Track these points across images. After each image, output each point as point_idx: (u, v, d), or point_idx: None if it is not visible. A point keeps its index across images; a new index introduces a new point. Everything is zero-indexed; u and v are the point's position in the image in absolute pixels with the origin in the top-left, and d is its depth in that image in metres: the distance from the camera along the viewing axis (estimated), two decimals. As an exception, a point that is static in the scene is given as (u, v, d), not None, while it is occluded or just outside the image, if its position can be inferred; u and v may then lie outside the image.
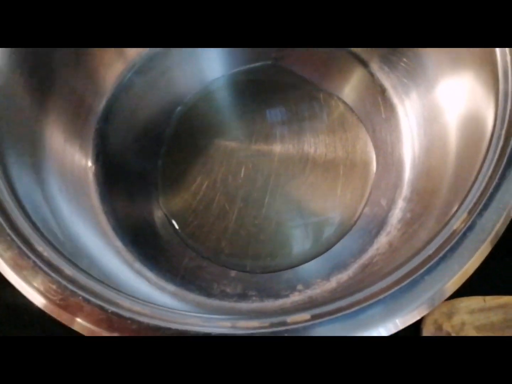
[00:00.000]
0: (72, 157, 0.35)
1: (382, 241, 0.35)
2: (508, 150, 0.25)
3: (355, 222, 0.36)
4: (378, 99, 0.39)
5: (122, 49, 0.38)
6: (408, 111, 0.38)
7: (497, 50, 0.27)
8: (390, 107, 0.39)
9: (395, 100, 0.38)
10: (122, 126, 0.38)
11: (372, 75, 0.39)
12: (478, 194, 0.25)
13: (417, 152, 0.37)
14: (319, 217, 0.36)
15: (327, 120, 0.39)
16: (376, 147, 0.38)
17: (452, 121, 0.33)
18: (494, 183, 0.25)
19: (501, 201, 0.24)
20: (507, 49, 0.27)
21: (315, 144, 0.38)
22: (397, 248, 0.34)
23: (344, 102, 0.39)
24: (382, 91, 0.39)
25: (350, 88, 0.40)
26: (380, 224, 0.36)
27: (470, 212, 0.24)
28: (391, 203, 0.36)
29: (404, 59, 0.37)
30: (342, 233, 0.36)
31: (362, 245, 0.35)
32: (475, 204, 0.24)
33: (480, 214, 0.24)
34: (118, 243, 0.35)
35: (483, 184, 0.25)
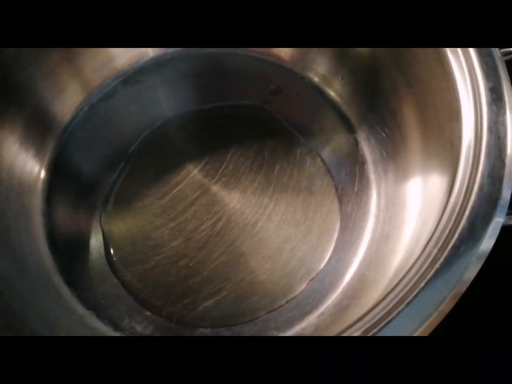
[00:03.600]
0: (23, 162, 0.34)
1: (311, 321, 0.32)
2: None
3: (290, 296, 0.33)
4: (356, 170, 0.36)
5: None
6: (382, 192, 0.35)
7: (462, 158, 0.25)
8: (365, 182, 0.36)
9: (372, 175, 0.36)
10: (87, 136, 0.37)
11: (357, 143, 0.37)
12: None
13: (377, 237, 0.34)
14: (252, 280, 0.34)
15: (296, 177, 0.36)
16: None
17: (413, 215, 0.31)
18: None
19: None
20: (470, 159, 0.24)
21: (275, 200, 0.36)
22: (322, 333, 0.31)
23: (323, 161, 0.37)
24: (362, 162, 0.36)
25: (330, 150, 0.37)
26: (315, 303, 0.33)
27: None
28: (335, 283, 0.33)
29: (389, 134, 0.34)
30: (271, 305, 0.33)
31: (289, 319, 0.33)
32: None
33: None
34: (46, 249, 0.34)
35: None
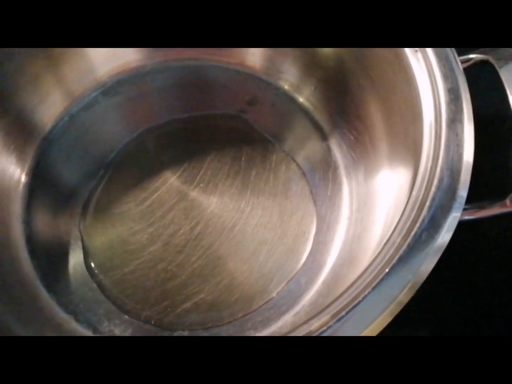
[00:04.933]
0: (5, 166, 0.35)
1: (287, 320, 0.33)
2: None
3: (267, 298, 0.34)
4: (329, 175, 0.38)
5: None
6: (354, 195, 0.36)
7: (424, 155, 0.26)
8: (338, 186, 0.37)
9: (344, 180, 0.37)
10: (67, 145, 0.38)
11: (329, 149, 0.38)
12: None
13: (350, 238, 0.35)
14: (229, 282, 0.34)
15: (273, 182, 0.38)
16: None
17: (382, 214, 0.32)
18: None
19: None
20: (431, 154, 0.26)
21: (252, 204, 0.37)
22: (297, 332, 0.32)
23: (298, 166, 0.38)
24: (335, 168, 0.38)
25: (305, 156, 0.39)
26: (292, 303, 0.34)
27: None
28: (310, 283, 0.34)
29: (359, 138, 0.36)
30: (248, 306, 0.34)
31: (266, 319, 0.33)
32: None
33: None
34: (25, 254, 0.34)
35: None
